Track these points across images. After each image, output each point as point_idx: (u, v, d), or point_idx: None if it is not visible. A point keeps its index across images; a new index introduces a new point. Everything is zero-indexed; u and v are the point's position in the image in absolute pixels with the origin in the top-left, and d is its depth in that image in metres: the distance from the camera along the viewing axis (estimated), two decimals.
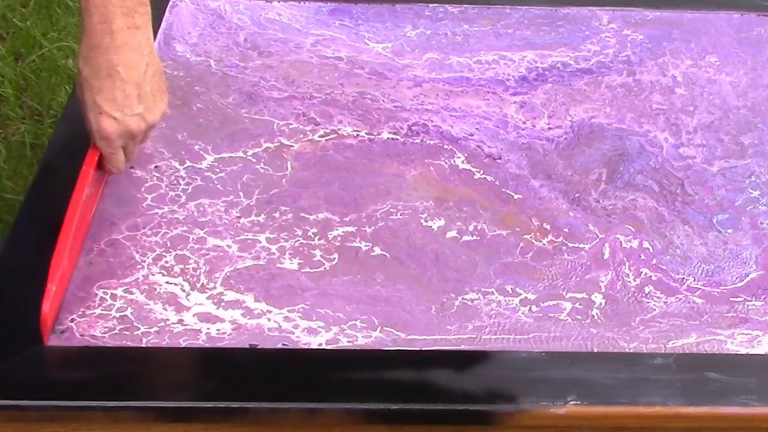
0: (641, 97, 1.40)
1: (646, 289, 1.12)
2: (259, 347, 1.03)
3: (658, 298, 1.11)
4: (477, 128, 1.32)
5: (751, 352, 1.06)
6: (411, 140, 1.30)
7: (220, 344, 1.03)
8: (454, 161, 1.27)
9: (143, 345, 1.03)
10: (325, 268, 1.12)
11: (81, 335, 1.03)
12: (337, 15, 1.51)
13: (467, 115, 1.34)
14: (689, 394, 1.01)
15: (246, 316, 1.06)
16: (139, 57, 1.12)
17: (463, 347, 1.05)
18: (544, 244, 1.17)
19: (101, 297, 1.07)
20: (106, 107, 1.11)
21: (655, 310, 1.10)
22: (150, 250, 1.13)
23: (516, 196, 1.23)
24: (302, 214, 1.18)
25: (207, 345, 1.03)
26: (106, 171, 1.17)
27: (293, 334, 1.05)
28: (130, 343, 1.03)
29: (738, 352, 1.06)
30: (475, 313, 1.08)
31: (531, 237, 1.18)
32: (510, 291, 1.11)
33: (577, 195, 1.24)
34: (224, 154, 1.26)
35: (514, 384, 1.01)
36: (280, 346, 1.04)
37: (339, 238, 1.16)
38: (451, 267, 1.13)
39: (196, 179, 1.22)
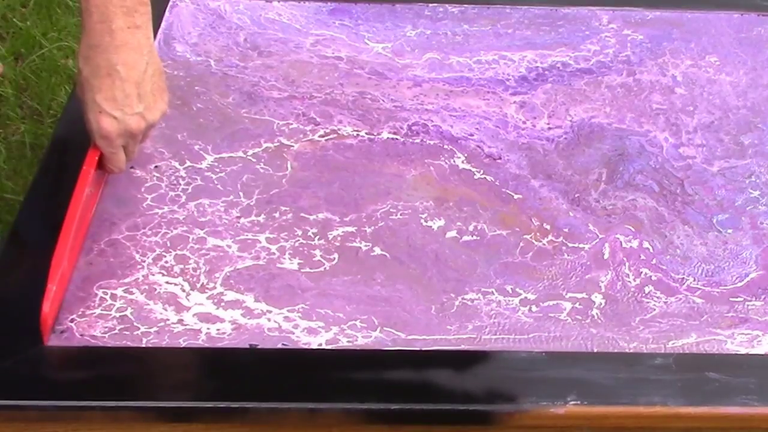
0: (641, 97, 1.40)
1: (646, 289, 1.12)
2: (259, 347, 1.03)
3: (658, 298, 1.11)
4: (477, 128, 1.32)
5: (751, 352, 1.06)
6: (411, 140, 1.30)
7: (220, 344, 1.03)
8: (454, 161, 1.27)
9: (143, 345, 1.03)
10: (325, 268, 1.12)
11: (81, 335, 1.03)
12: (337, 15, 1.51)
13: (467, 115, 1.34)
14: (689, 394, 1.01)
15: (246, 316, 1.06)
16: (139, 56, 1.11)
17: (463, 347, 1.05)
18: (544, 244, 1.17)
19: (101, 297, 1.07)
20: (105, 106, 1.11)
21: (655, 310, 1.10)
22: (150, 250, 1.13)
23: (516, 196, 1.23)
24: (302, 214, 1.18)
25: (207, 345, 1.03)
26: (106, 170, 1.17)
27: (293, 334, 1.05)
28: (130, 343, 1.03)
29: (738, 352, 1.06)
30: (475, 313, 1.08)
31: (531, 237, 1.18)
32: (510, 291, 1.11)
33: (577, 195, 1.24)
34: (224, 154, 1.26)
35: (514, 384, 1.01)
36: (280, 346, 1.04)
37: (339, 238, 1.16)
38: (451, 267, 1.13)
39: (196, 179, 1.22)
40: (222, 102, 1.34)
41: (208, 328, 1.05)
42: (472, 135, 1.31)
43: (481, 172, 1.26)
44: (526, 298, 1.10)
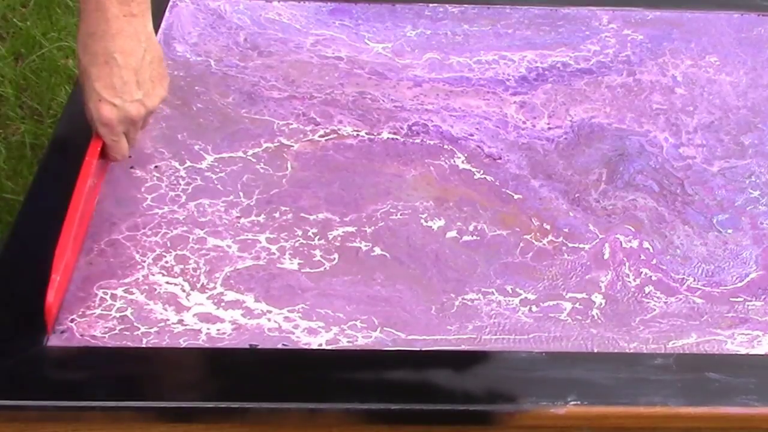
0: (641, 97, 1.40)
1: (646, 289, 1.12)
2: (259, 347, 1.03)
3: (658, 298, 1.11)
4: (477, 128, 1.32)
5: (751, 352, 1.06)
6: (411, 140, 1.30)
7: (220, 344, 1.03)
8: (454, 161, 1.27)
9: (143, 345, 1.03)
10: (325, 268, 1.12)
11: (81, 335, 1.03)
12: (337, 15, 1.51)
13: (467, 115, 1.34)
14: (689, 394, 1.01)
15: (246, 317, 1.06)
16: (136, 44, 1.12)
17: (463, 347, 1.05)
18: (544, 244, 1.17)
19: (101, 297, 1.07)
20: (105, 94, 1.11)
21: (655, 310, 1.10)
22: (150, 250, 1.13)
23: (516, 196, 1.23)
24: (302, 214, 1.18)
25: (207, 345, 1.03)
26: (109, 159, 1.18)
27: (293, 334, 1.05)
28: (130, 344, 1.03)
29: (738, 352, 1.06)
30: (475, 313, 1.08)
31: (531, 237, 1.18)
32: (510, 291, 1.11)
33: (577, 195, 1.24)
34: (224, 154, 1.26)
35: (514, 384, 1.01)
36: (280, 346, 1.04)
37: (339, 238, 1.16)
38: (451, 267, 1.13)
39: (196, 179, 1.22)
40: (222, 102, 1.34)
41: (208, 329, 1.05)
42: (472, 135, 1.31)
43: (481, 172, 1.26)
44: (526, 298, 1.10)
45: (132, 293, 1.08)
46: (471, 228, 1.18)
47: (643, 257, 1.16)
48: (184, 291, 1.08)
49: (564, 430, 1.01)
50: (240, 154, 1.26)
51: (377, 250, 1.14)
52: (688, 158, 1.30)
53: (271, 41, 1.45)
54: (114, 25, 1.10)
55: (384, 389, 1.01)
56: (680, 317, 1.09)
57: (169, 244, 1.13)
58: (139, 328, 1.04)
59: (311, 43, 1.45)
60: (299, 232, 1.16)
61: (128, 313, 1.06)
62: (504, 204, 1.22)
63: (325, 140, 1.29)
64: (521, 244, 1.17)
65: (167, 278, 1.09)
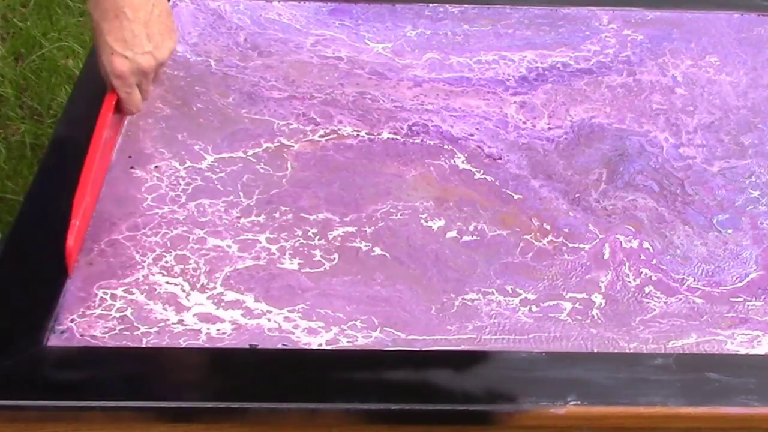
0: (641, 97, 1.40)
1: (646, 290, 1.12)
2: (259, 347, 1.03)
3: (658, 298, 1.11)
4: (477, 128, 1.32)
5: (751, 352, 1.06)
6: (411, 140, 1.30)
7: (220, 344, 1.03)
8: (454, 161, 1.27)
9: (143, 345, 1.03)
10: (325, 268, 1.12)
11: (81, 335, 1.03)
12: (337, 15, 1.51)
13: (467, 115, 1.34)
14: (689, 394, 1.01)
15: (246, 317, 1.06)
16: None
17: (463, 347, 1.05)
18: (544, 244, 1.17)
19: (101, 297, 1.07)
20: (116, 47, 1.17)
21: (655, 310, 1.10)
22: (150, 250, 1.13)
23: (516, 196, 1.23)
24: (302, 214, 1.18)
25: (207, 345, 1.03)
26: (124, 112, 1.24)
27: (293, 334, 1.05)
28: (130, 343, 1.03)
29: (738, 352, 1.06)
30: (475, 313, 1.08)
31: (531, 237, 1.18)
32: (510, 291, 1.11)
33: (577, 195, 1.24)
34: (224, 154, 1.26)
35: (514, 384, 1.01)
36: (280, 346, 1.04)
37: (339, 238, 1.16)
38: (451, 267, 1.13)
39: (196, 179, 1.22)
40: (222, 102, 1.34)
41: (208, 329, 1.05)
42: (472, 135, 1.31)
43: (481, 172, 1.26)
44: (526, 298, 1.10)
45: (132, 293, 1.08)
46: (471, 228, 1.18)
47: (643, 257, 1.16)
48: (184, 291, 1.08)
49: (564, 430, 1.01)
50: (240, 154, 1.26)
51: (377, 250, 1.14)
52: (688, 158, 1.30)
53: (271, 41, 1.45)
54: None
55: (384, 389, 1.01)
56: (680, 317, 1.09)
57: (169, 244, 1.13)
58: (139, 328, 1.04)
59: (311, 43, 1.45)
60: (299, 232, 1.16)
61: (128, 313, 1.06)
62: (504, 204, 1.22)
63: (325, 140, 1.29)
64: (521, 244, 1.17)
65: (167, 278, 1.09)
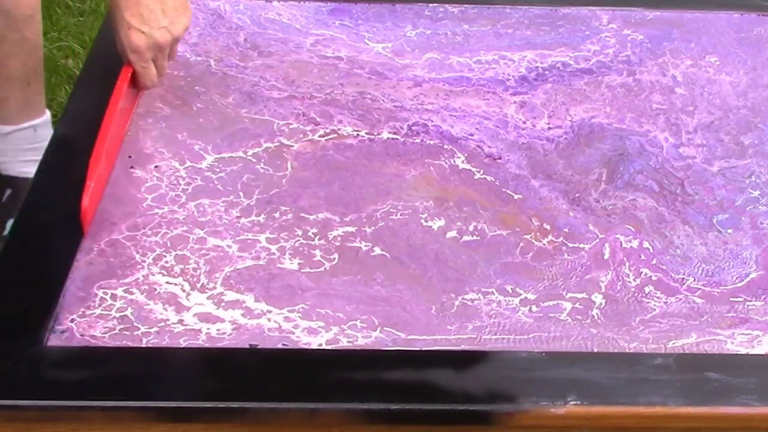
0: (641, 97, 1.40)
1: (646, 289, 1.12)
2: (259, 347, 1.03)
3: (658, 298, 1.11)
4: (477, 128, 1.32)
5: (751, 352, 1.06)
6: (411, 140, 1.30)
7: (220, 344, 1.03)
8: (454, 161, 1.27)
9: (143, 345, 1.03)
10: (325, 268, 1.12)
11: (81, 335, 1.03)
12: (337, 15, 1.51)
13: (467, 115, 1.34)
14: (689, 394, 1.01)
15: (246, 316, 1.06)
16: None
17: (463, 347, 1.05)
18: (544, 244, 1.17)
19: (101, 297, 1.07)
20: (133, 22, 1.22)
21: (655, 310, 1.10)
22: (150, 250, 1.13)
23: (516, 196, 1.23)
24: (302, 214, 1.18)
25: (207, 345, 1.03)
26: (140, 87, 1.28)
27: (293, 334, 1.05)
28: (130, 343, 1.03)
29: (738, 352, 1.06)
30: (475, 313, 1.08)
31: (531, 237, 1.18)
32: (510, 291, 1.11)
33: (577, 195, 1.24)
34: (224, 154, 1.26)
35: (514, 384, 1.01)
36: (280, 346, 1.04)
37: (339, 238, 1.16)
38: (451, 267, 1.13)
39: (196, 179, 1.22)
40: (222, 102, 1.34)
41: (208, 328, 1.05)
42: (472, 135, 1.31)
43: (481, 172, 1.26)
44: (526, 298, 1.10)
45: (132, 293, 1.08)
46: (471, 228, 1.18)
47: (643, 257, 1.16)
48: (184, 291, 1.08)
49: (564, 430, 1.01)
50: (240, 154, 1.26)
51: (377, 250, 1.14)
52: (688, 158, 1.30)
53: (271, 41, 1.45)
54: None
55: (384, 389, 1.01)
56: (680, 317, 1.09)
57: (169, 244, 1.13)
58: (139, 328, 1.04)
59: (311, 43, 1.45)
60: (299, 232, 1.16)
61: (128, 313, 1.06)
62: (504, 204, 1.22)
63: (325, 140, 1.29)
64: (521, 244, 1.17)
65: (167, 278, 1.09)
